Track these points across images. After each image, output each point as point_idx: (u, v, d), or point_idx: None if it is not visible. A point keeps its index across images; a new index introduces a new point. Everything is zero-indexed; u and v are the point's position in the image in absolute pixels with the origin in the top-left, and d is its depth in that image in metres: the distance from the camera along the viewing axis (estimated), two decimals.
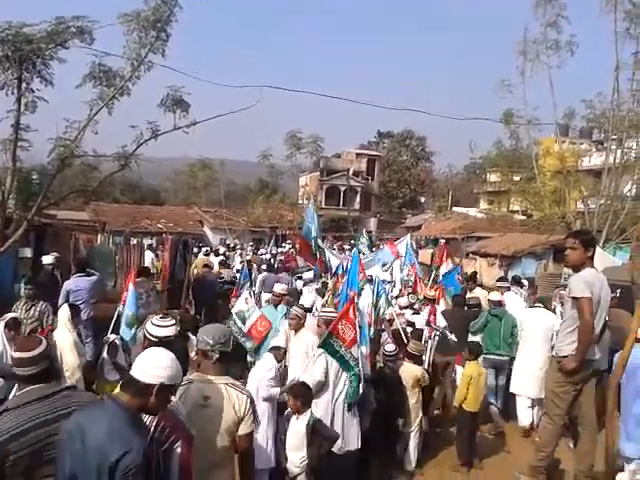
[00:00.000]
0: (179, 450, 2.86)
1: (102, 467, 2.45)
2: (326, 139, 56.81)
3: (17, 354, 3.00)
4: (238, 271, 13.79)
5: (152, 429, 2.85)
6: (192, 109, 10.25)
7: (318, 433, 4.91)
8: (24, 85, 8.96)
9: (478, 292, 10.15)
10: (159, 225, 30.97)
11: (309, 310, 7.99)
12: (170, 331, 4.03)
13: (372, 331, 6.93)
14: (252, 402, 3.46)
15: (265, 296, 10.98)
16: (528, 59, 14.39)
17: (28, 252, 12.51)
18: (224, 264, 16.33)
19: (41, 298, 8.66)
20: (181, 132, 10.22)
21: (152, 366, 2.65)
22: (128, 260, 13.70)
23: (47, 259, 9.93)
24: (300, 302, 8.37)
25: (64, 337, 5.94)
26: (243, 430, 3.39)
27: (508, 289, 10.02)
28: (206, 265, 13.82)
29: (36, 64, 8.89)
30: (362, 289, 7.49)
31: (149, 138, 9.94)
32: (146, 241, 21.08)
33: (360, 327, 5.67)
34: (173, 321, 4.19)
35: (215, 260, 16.74)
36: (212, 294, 11.30)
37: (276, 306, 7.98)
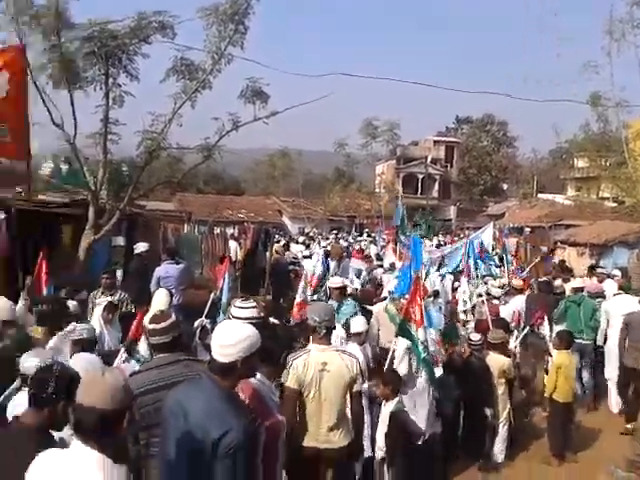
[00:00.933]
0: (264, 434, 2.88)
1: (204, 445, 2.49)
2: (402, 126, 56.05)
3: (151, 325, 3.44)
4: (305, 257, 13.93)
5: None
6: (271, 100, 10.40)
7: (401, 425, 4.86)
8: (111, 80, 9.37)
9: (558, 283, 9.83)
10: (240, 215, 31.77)
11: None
12: (252, 312, 4.16)
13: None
14: (360, 364, 4.07)
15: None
16: (614, 39, 13.64)
17: (121, 240, 13.09)
18: (287, 247, 16.35)
19: (133, 284, 9.16)
20: (261, 123, 10.39)
21: (225, 346, 2.67)
22: (213, 248, 14.12)
23: (140, 247, 10.40)
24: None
25: None
26: (355, 388, 4.00)
27: (607, 277, 9.67)
28: (276, 251, 14.10)
29: (121, 59, 9.27)
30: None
31: (230, 130, 10.14)
32: (228, 230, 21.67)
33: (426, 309, 5.63)
34: (254, 303, 4.34)
35: (296, 248, 16.91)
36: (285, 278, 11.56)
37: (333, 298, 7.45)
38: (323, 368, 3.95)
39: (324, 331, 4.04)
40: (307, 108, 11.82)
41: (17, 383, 3.48)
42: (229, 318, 4.31)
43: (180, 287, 9.30)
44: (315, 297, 8.34)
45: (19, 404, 3.28)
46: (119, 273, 12.37)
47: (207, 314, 7.05)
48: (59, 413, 2.45)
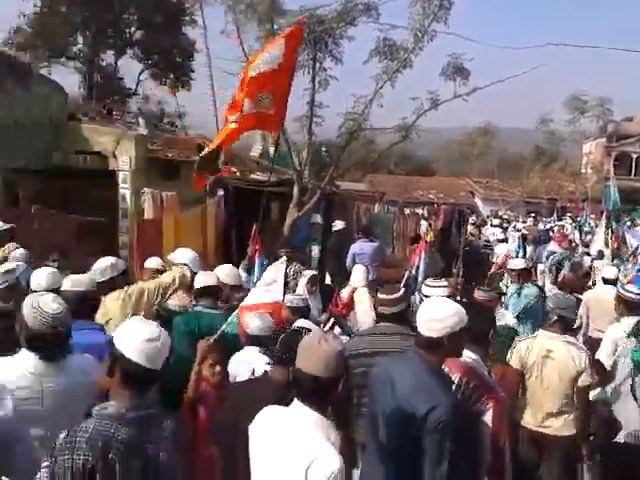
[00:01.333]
0: (491, 412, 2.83)
1: (411, 419, 2.52)
2: (615, 101, 50.21)
3: (383, 295, 3.67)
4: (500, 240, 13.26)
5: (459, 386, 2.87)
6: (471, 76, 10.10)
7: (601, 415, 4.46)
8: (318, 65, 9.83)
9: None
10: (430, 195, 31.44)
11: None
12: (443, 291, 4.33)
13: None
14: (589, 358, 4.00)
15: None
16: None
17: (319, 218, 13.77)
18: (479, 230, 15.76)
19: (331, 260, 9.67)
20: (458, 101, 10.16)
21: (432, 320, 2.64)
22: (404, 228, 14.19)
23: (337, 225, 10.85)
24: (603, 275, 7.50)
25: (362, 293, 6.42)
26: (582, 382, 3.93)
27: None
28: (471, 234, 13.68)
29: (327, 44, 9.68)
30: None
31: (429, 108, 10.06)
32: (417, 211, 21.61)
33: None
34: (445, 282, 4.59)
35: (490, 231, 16.30)
36: (478, 261, 11.17)
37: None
38: (547, 355, 4.00)
39: (555, 318, 4.06)
40: (507, 83, 11.22)
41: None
42: (421, 297, 4.39)
43: (374, 264, 9.55)
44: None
45: (241, 361, 3.67)
46: (316, 249, 13.09)
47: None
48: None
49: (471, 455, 2.68)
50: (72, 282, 3.35)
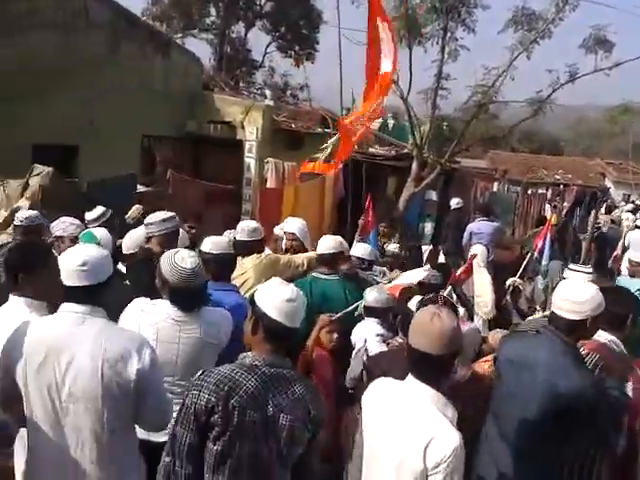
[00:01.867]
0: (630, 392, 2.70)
1: (549, 399, 2.47)
2: None
3: None
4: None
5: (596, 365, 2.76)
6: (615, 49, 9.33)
7: None
8: (448, 35, 9.52)
9: None
10: (556, 176, 29.60)
11: None
12: (587, 277, 4.10)
13: None
14: None
15: None
16: None
17: (433, 195, 13.52)
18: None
19: (448, 237, 9.52)
20: (595, 76, 9.43)
21: (576, 303, 2.55)
22: (528, 209, 13.53)
23: (453, 202, 10.59)
24: None
25: (482, 274, 6.29)
26: None
27: None
28: (612, 221, 12.69)
29: (460, 13, 9.32)
30: None
31: (566, 82, 9.43)
32: (540, 191, 20.50)
33: None
34: (590, 269, 4.41)
35: (625, 216, 15.10)
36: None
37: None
38: None
39: None
40: None
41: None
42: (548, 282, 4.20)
43: (491, 244, 9.25)
44: None
45: (358, 331, 3.79)
46: (429, 226, 12.89)
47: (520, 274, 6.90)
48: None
49: (608, 435, 2.57)
50: (211, 244, 3.49)
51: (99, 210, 4.88)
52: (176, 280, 2.71)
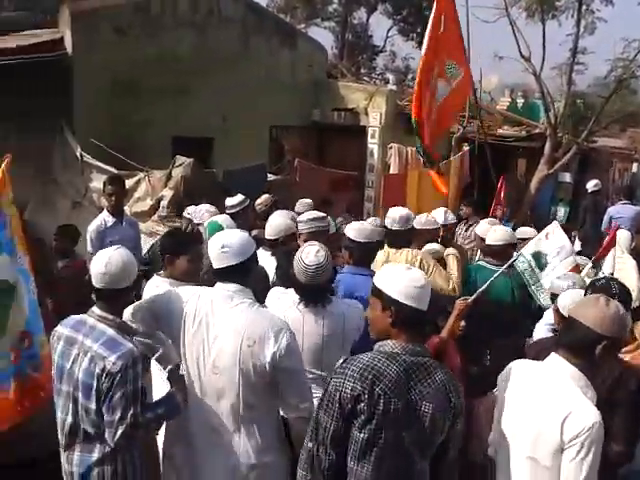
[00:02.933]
0: None
1: None
2: None
3: None
4: None
5: None
6: None
7: None
8: (584, 7, 8.88)
9: None
10: None
11: None
12: None
13: None
14: None
15: None
16: None
17: (567, 177, 12.74)
18: None
19: (583, 223, 8.95)
20: None
21: None
22: None
23: (590, 184, 9.91)
24: None
25: (625, 260, 5.86)
26: None
27: None
28: None
29: None
30: None
31: None
32: None
33: None
34: None
35: None
36: None
37: None
38: None
39: None
40: None
41: None
42: None
43: (634, 230, 8.55)
44: None
45: None
46: (562, 210, 12.16)
47: None
48: None
49: None
50: (356, 232, 3.52)
51: (239, 197, 5.15)
52: (301, 275, 2.80)
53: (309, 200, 5.85)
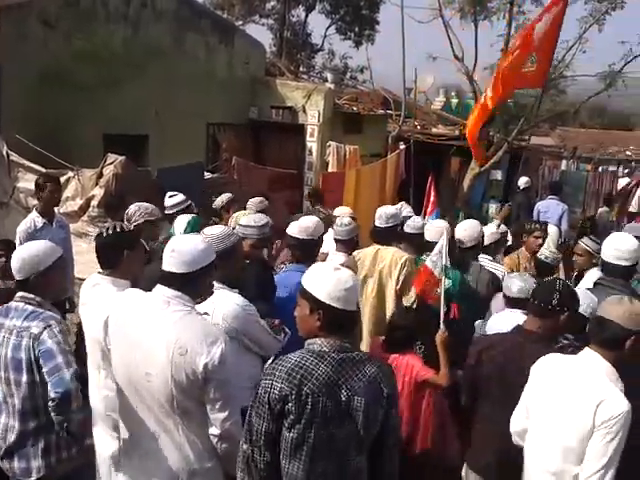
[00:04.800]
0: None
1: None
2: None
3: None
4: None
5: None
6: None
7: None
8: (515, 8, 9.21)
9: None
10: (628, 152, 28.13)
11: None
12: None
13: None
14: None
15: None
16: None
17: (499, 174, 13.15)
18: None
19: (518, 219, 9.30)
20: None
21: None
22: (599, 187, 12.98)
23: (522, 181, 10.29)
24: None
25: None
26: None
27: None
28: None
29: None
30: None
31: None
32: (611, 168, 19.65)
33: None
34: None
35: None
36: None
37: None
38: None
39: None
40: None
41: None
42: None
43: (562, 225, 8.94)
44: None
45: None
46: (494, 207, 12.57)
47: None
48: (561, 323, 2.72)
49: None
50: (298, 229, 3.58)
51: (180, 197, 4.98)
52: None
53: (261, 199, 5.82)
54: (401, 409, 3.15)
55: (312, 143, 9.41)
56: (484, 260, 4.66)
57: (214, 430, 2.34)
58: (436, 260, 3.68)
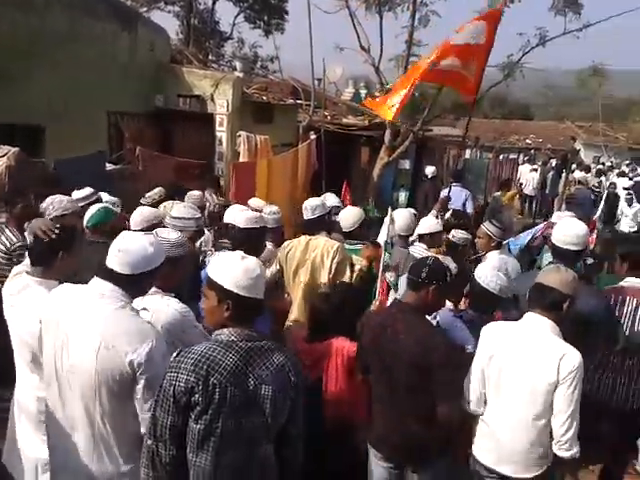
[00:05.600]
0: None
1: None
2: None
3: None
4: None
5: None
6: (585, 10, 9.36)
7: None
8: (419, 0, 9.45)
9: None
10: (527, 141, 29.87)
11: None
12: None
13: None
14: None
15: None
16: None
17: (407, 164, 13.54)
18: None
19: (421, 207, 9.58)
20: (565, 40, 9.48)
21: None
22: (500, 174, 13.68)
23: (428, 170, 10.63)
24: None
25: None
26: None
27: None
28: (579, 182, 12.95)
29: None
30: None
31: (535, 45, 9.47)
32: (512, 156, 20.74)
33: None
34: None
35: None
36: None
37: None
38: None
39: None
40: (622, 22, 10.31)
41: None
42: None
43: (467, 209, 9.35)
44: None
45: None
46: (403, 195, 12.94)
47: None
48: (430, 295, 2.82)
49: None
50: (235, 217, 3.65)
51: (87, 190, 4.81)
52: None
53: (198, 193, 5.67)
54: (339, 392, 3.28)
55: (222, 133, 9.24)
56: (418, 247, 4.80)
57: (145, 429, 2.26)
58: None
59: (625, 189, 11.44)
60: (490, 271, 3.39)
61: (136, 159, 7.45)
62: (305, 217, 4.50)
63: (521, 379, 2.64)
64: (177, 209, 4.08)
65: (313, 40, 8.56)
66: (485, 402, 2.80)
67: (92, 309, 2.27)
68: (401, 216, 4.95)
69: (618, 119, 37.25)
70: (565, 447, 2.57)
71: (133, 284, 2.32)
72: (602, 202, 10.30)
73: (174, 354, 2.09)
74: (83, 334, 2.25)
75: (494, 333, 2.80)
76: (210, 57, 17.62)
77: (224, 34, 23.03)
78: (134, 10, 11.50)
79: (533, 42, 9.42)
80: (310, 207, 4.46)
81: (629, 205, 10.61)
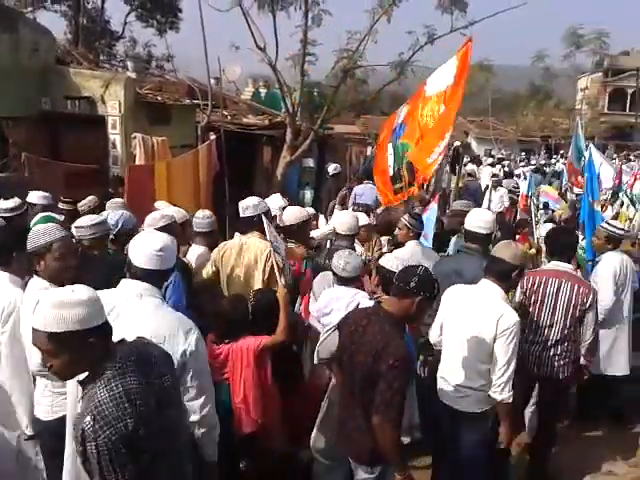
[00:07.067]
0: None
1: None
2: (612, 35, 49.15)
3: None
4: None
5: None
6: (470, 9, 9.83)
7: None
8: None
9: None
10: None
11: None
12: None
13: None
14: None
15: None
16: None
17: (311, 162, 13.64)
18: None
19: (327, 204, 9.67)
20: (455, 37, 9.87)
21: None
22: None
23: (331, 168, 10.76)
24: None
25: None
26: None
27: None
28: (469, 174, 13.60)
29: None
30: None
31: (425, 43, 9.81)
32: None
33: None
34: None
35: (484, 170, 16.24)
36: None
37: None
38: None
39: None
40: (505, 20, 10.94)
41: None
42: None
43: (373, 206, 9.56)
44: None
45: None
46: (308, 193, 13.03)
47: None
48: (413, 307, 2.82)
49: None
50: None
51: (16, 201, 4.87)
52: None
53: (120, 200, 5.42)
54: (245, 396, 3.38)
55: (115, 135, 8.85)
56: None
57: (194, 417, 2.45)
58: (277, 244, 3.92)
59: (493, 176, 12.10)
60: (399, 258, 3.84)
61: (22, 166, 6.98)
62: (241, 216, 4.47)
63: (470, 330, 3.26)
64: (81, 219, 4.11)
65: (209, 39, 8.42)
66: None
67: (134, 310, 2.46)
68: (345, 216, 5.02)
69: (507, 113, 39.67)
70: (498, 390, 3.15)
71: (165, 278, 2.71)
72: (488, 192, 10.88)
73: None
74: (130, 333, 2.23)
75: (455, 293, 3.45)
76: (102, 57, 16.86)
77: (115, 33, 22.13)
78: (15, 11, 10.75)
79: (422, 40, 9.75)
80: (241, 207, 4.43)
81: (494, 189, 11.11)
